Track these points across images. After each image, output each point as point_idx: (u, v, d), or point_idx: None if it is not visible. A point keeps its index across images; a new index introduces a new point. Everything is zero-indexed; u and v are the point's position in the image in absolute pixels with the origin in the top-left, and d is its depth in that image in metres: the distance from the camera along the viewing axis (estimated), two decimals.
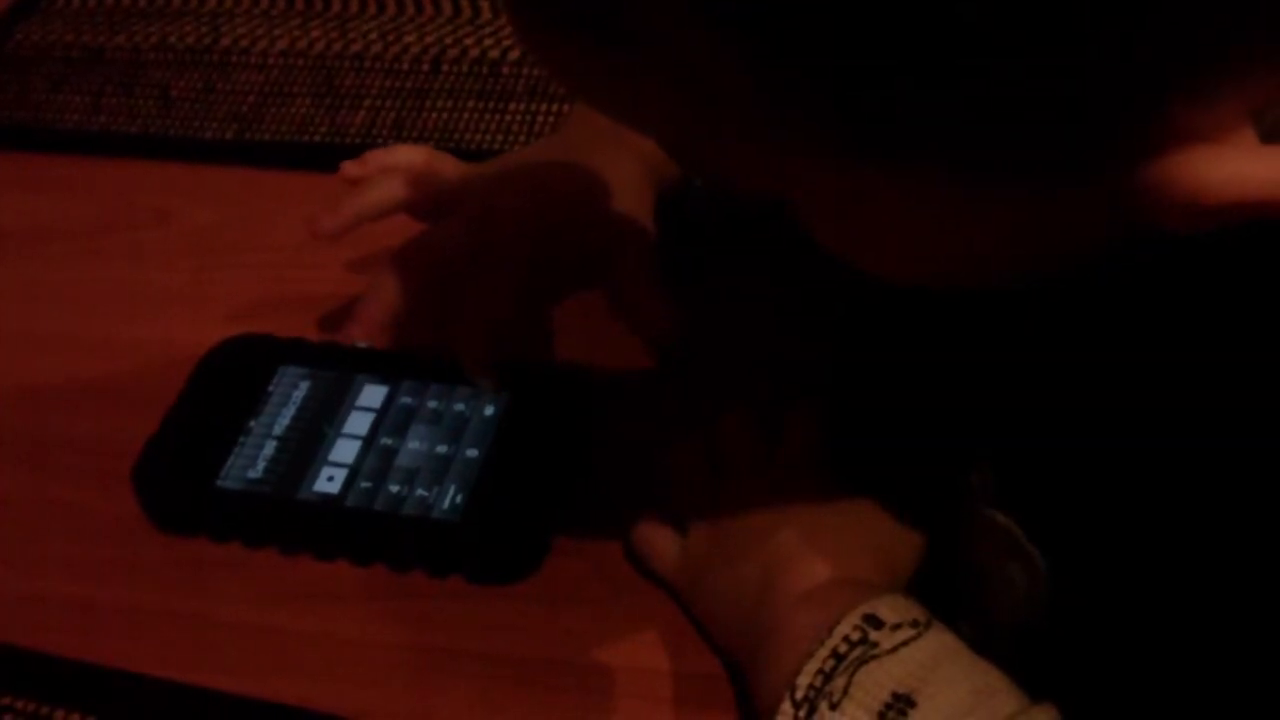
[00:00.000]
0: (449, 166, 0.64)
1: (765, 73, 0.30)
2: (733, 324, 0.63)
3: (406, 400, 0.59)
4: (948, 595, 0.49)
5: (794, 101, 0.31)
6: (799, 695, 0.44)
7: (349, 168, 0.64)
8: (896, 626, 0.45)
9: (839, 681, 0.43)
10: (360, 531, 0.55)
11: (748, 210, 0.58)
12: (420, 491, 0.55)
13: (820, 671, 0.44)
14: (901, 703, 0.42)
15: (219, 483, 0.56)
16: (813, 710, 0.43)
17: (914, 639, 0.45)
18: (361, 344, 0.60)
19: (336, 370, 0.61)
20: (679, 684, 0.51)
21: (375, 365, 0.61)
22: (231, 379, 0.61)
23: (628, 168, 0.60)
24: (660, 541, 0.54)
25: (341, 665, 0.53)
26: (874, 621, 0.45)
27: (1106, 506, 0.42)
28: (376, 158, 0.64)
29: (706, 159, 0.38)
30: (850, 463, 0.53)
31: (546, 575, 0.55)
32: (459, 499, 0.55)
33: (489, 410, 0.58)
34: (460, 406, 0.59)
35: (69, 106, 0.82)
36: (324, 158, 0.75)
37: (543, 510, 0.56)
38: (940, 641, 0.45)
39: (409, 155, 0.64)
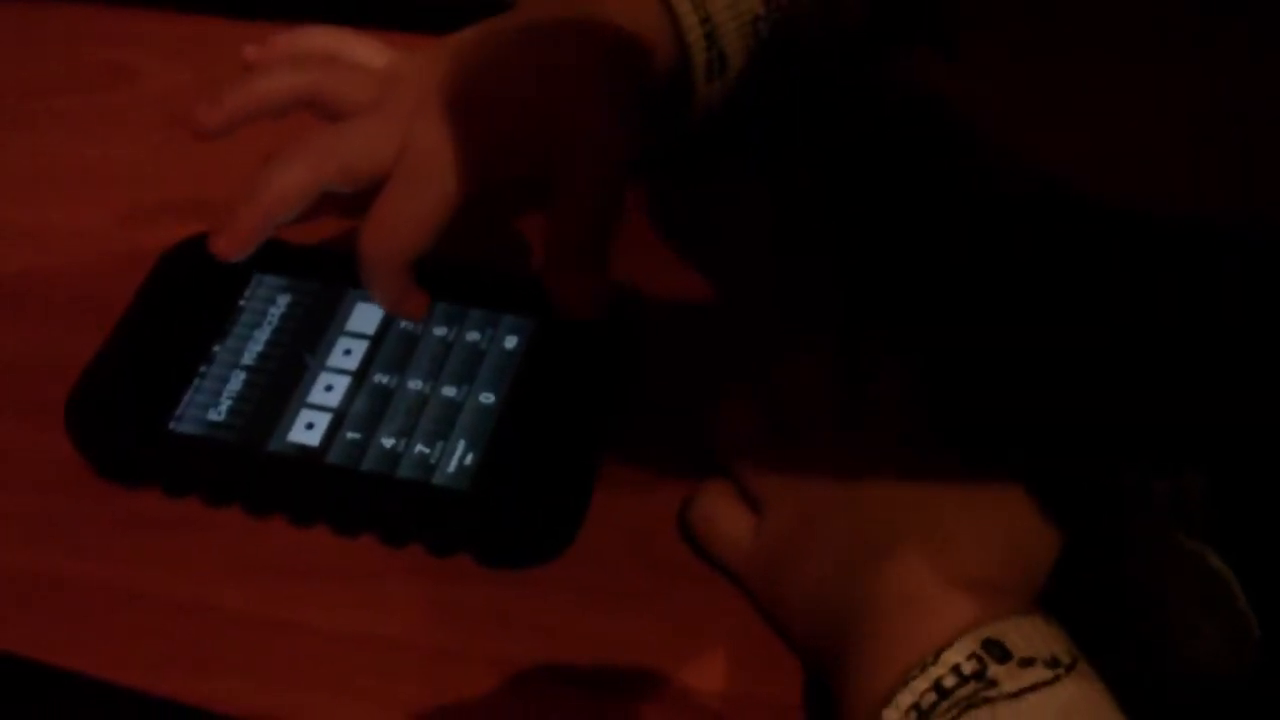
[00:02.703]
0: (372, 55, 0.49)
1: None
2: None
3: (408, 325, 0.47)
4: (1087, 609, 0.37)
5: None
6: None
7: (249, 52, 0.50)
8: (1028, 663, 0.34)
9: None
10: (344, 496, 0.44)
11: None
12: (420, 448, 0.44)
13: (915, 707, 0.34)
14: None
15: (172, 425, 0.45)
16: None
17: (1047, 684, 0.34)
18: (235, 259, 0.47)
19: (324, 282, 0.49)
20: (742, 711, 0.40)
21: None
22: (193, 289, 0.49)
23: (594, 58, 0.46)
24: (726, 520, 0.43)
25: (309, 663, 0.42)
26: (998, 651, 0.35)
27: None
28: (282, 42, 0.50)
29: None
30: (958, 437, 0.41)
31: (576, 559, 0.44)
32: (469, 459, 0.44)
33: (510, 343, 0.46)
34: (475, 336, 0.47)
35: None
36: (321, 7, 0.63)
37: (574, 475, 0.44)
38: (1082, 693, 0.34)
39: (323, 39, 0.50)
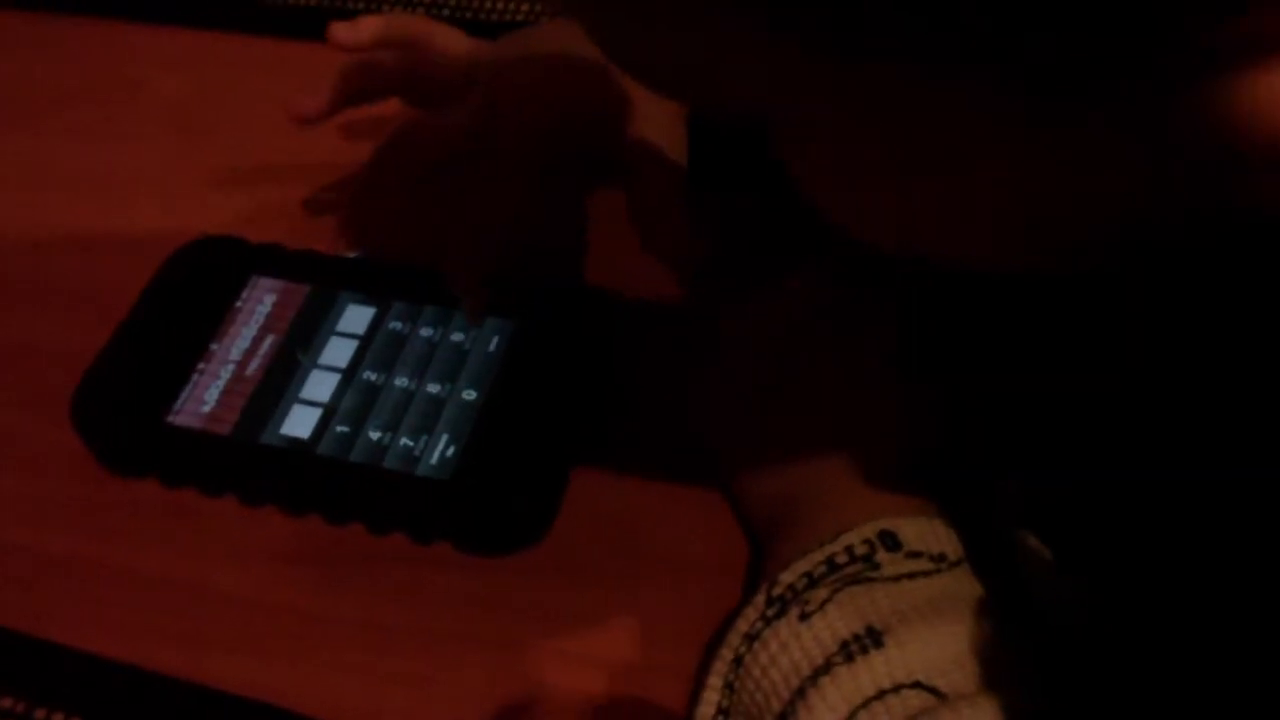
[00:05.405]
0: (454, 42, 0.54)
1: None
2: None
3: (395, 326, 0.50)
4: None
5: None
6: (776, 592, 0.39)
7: (339, 31, 0.52)
8: (915, 555, 0.38)
9: (820, 592, 0.37)
10: (333, 486, 0.46)
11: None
12: (405, 441, 0.46)
13: (807, 574, 0.39)
14: (869, 639, 0.36)
15: (170, 419, 0.48)
16: (782, 613, 0.38)
17: (925, 574, 0.38)
18: (350, 254, 0.52)
19: (317, 284, 0.51)
20: None
21: (362, 280, 0.51)
22: (195, 290, 0.52)
23: None
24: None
25: (302, 643, 0.44)
26: (890, 541, 0.38)
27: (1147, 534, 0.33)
28: (371, 25, 0.53)
29: (658, 64, 0.29)
30: None
31: (551, 547, 0.46)
32: (450, 452, 0.46)
33: (493, 344, 0.49)
34: (458, 337, 0.49)
35: None
36: (321, 24, 0.65)
37: (550, 468, 0.47)
38: (955, 586, 0.38)
39: (408, 26, 0.54)
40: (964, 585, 0.38)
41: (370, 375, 0.49)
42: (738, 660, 0.38)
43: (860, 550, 0.38)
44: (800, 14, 0.23)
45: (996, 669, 0.35)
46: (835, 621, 0.36)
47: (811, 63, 0.24)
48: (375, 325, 0.50)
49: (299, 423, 0.47)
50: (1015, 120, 0.23)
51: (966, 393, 0.41)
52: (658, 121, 0.49)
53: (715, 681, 0.39)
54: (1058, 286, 0.34)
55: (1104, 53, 0.21)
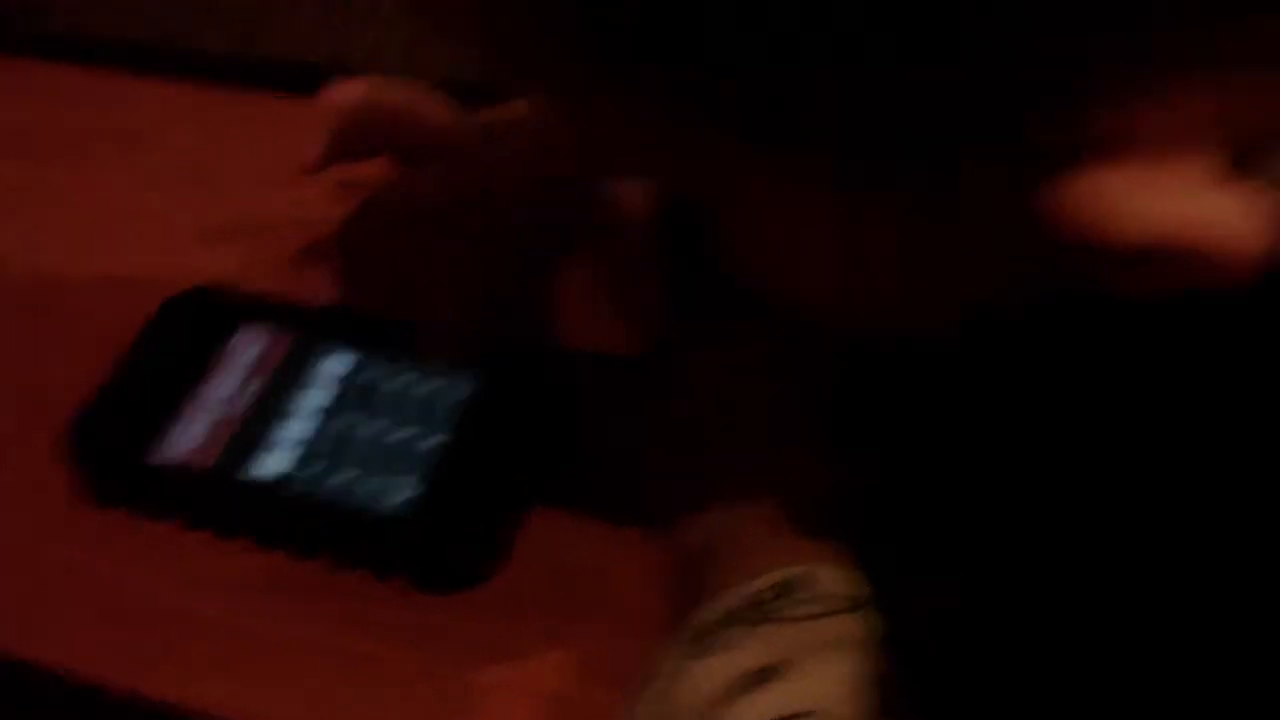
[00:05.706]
0: (441, 108, 0.58)
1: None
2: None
3: (371, 375, 0.54)
4: None
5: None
6: (694, 630, 0.42)
7: (333, 91, 0.58)
8: (822, 598, 0.42)
9: (734, 631, 0.41)
10: (303, 521, 0.50)
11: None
12: (374, 482, 0.50)
13: (724, 614, 0.42)
14: (771, 672, 0.40)
15: (159, 455, 0.52)
16: (697, 649, 0.42)
17: (830, 614, 0.41)
18: (331, 305, 0.56)
19: (299, 333, 0.56)
20: None
21: (342, 331, 0.55)
22: (185, 335, 0.56)
23: None
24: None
25: (263, 667, 0.48)
26: (800, 585, 0.42)
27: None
28: (363, 87, 0.58)
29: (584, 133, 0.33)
30: None
31: (502, 585, 0.50)
32: (413, 494, 0.50)
33: (459, 394, 0.53)
34: (428, 387, 0.53)
35: (56, 9, 0.76)
36: (320, 81, 0.70)
37: (501, 512, 0.51)
38: (856, 628, 0.41)
39: (399, 90, 0.58)
40: (860, 627, 0.41)
41: (345, 420, 0.52)
42: (657, 694, 0.42)
43: (771, 593, 0.42)
44: (641, 88, 0.25)
45: (887, 702, 0.39)
46: (742, 657, 0.40)
47: (666, 137, 0.27)
48: (352, 374, 0.54)
49: (276, 461, 0.51)
50: (858, 204, 0.26)
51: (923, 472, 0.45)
52: (628, 185, 0.54)
53: (638, 712, 0.42)
54: (1051, 361, 0.38)
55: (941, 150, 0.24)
